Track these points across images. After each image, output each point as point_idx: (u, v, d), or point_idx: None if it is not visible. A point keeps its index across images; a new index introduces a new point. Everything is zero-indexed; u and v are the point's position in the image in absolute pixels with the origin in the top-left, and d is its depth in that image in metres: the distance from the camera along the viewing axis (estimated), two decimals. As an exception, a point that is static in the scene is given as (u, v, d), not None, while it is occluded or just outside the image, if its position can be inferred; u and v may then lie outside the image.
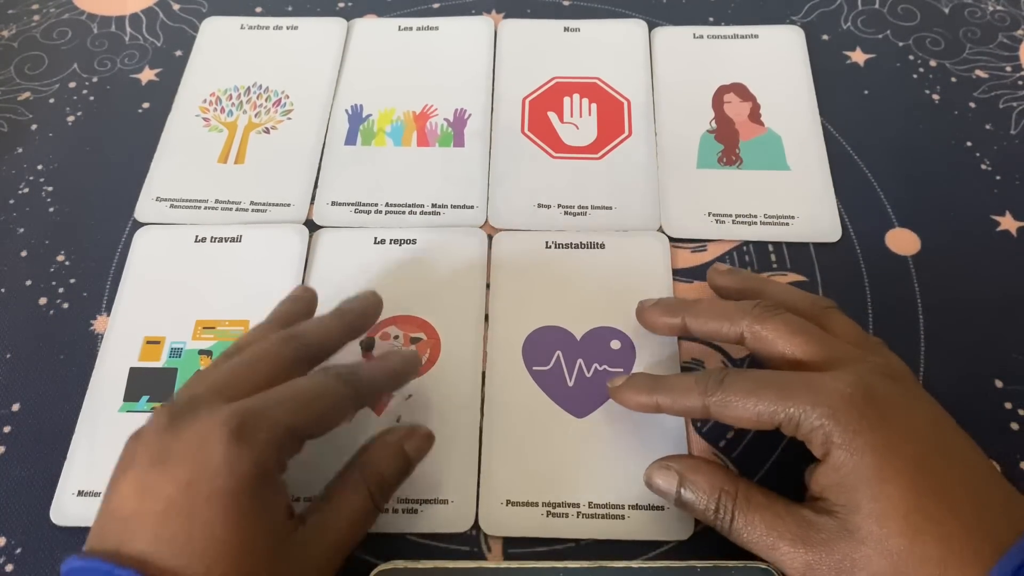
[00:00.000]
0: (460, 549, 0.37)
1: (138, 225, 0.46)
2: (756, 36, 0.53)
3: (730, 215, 0.46)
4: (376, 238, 0.45)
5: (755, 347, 0.35)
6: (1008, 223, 0.45)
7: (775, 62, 0.52)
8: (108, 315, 0.43)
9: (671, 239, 0.45)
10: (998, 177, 0.47)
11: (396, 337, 0.42)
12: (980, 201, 0.46)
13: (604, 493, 0.37)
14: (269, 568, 0.29)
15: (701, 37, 0.53)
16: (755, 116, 0.49)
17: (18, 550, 0.37)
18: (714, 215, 0.46)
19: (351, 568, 0.34)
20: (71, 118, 0.51)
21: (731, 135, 0.49)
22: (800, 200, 0.46)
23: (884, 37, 0.53)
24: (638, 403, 0.36)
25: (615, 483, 0.38)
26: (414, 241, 0.45)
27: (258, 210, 0.47)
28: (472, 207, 0.46)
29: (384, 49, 0.53)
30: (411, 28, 0.54)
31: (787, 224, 0.45)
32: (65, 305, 0.44)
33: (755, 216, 0.45)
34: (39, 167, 0.49)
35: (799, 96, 0.50)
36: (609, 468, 0.38)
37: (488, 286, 0.43)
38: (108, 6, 0.57)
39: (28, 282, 0.45)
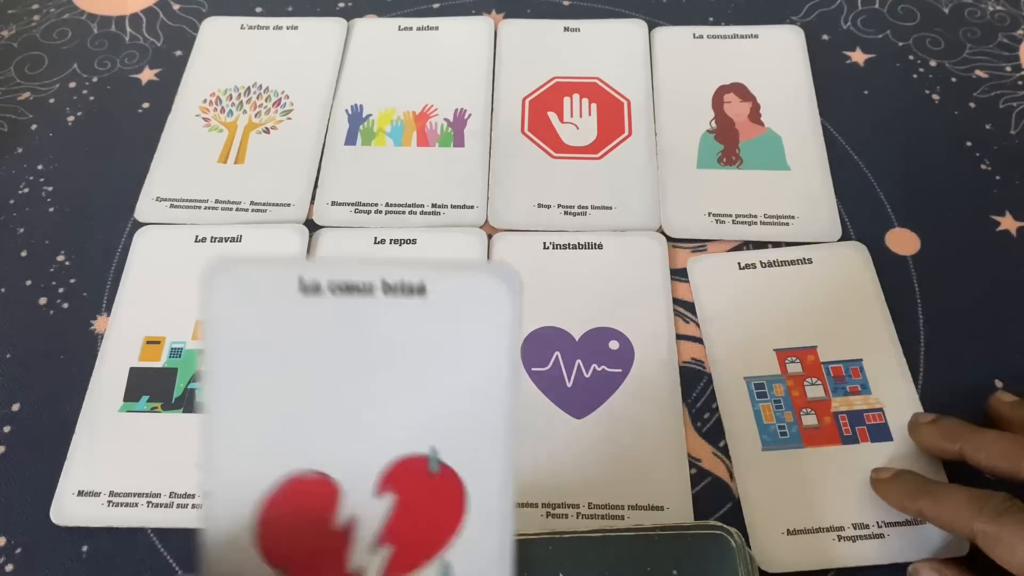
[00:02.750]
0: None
1: (138, 225, 0.46)
2: (756, 36, 0.53)
3: (730, 215, 0.46)
4: (376, 238, 0.45)
5: None
6: (1008, 223, 0.45)
7: (775, 62, 0.52)
8: (108, 315, 0.43)
9: (671, 239, 0.45)
10: (998, 177, 0.47)
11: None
12: (980, 201, 0.46)
13: (604, 494, 0.37)
14: None
15: (701, 37, 0.53)
16: (755, 116, 0.49)
17: (18, 550, 0.37)
18: (714, 215, 0.46)
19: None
20: (71, 118, 0.51)
21: (731, 135, 0.49)
22: (800, 200, 0.46)
23: (884, 37, 0.53)
24: (900, 504, 0.35)
25: (615, 484, 0.38)
26: (414, 241, 0.45)
27: (258, 210, 0.47)
28: (472, 207, 0.46)
29: (384, 49, 0.53)
30: (411, 28, 0.54)
31: (787, 224, 0.45)
32: (65, 305, 0.44)
33: (755, 216, 0.45)
34: (39, 167, 0.49)
35: (799, 96, 0.50)
36: (608, 469, 0.38)
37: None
38: (108, 6, 0.57)
39: (28, 282, 0.45)
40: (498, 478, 0.25)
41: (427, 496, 0.25)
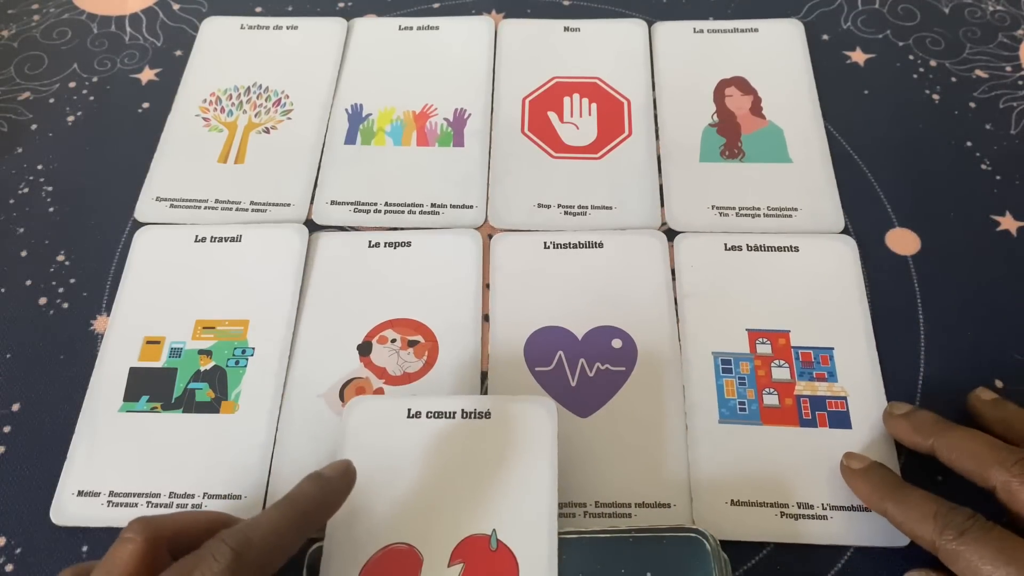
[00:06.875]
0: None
1: (138, 225, 0.46)
2: (756, 30, 0.53)
3: (733, 208, 0.46)
4: (371, 241, 0.45)
5: (1010, 506, 0.31)
6: (1008, 223, 0.45)
7: (775, 55, 0.52)
8: (108, 315, 0.43)
9: (674, 232, 0.45)
10: (998, 177, 0.47)
11: (394, 340, 0.42)
12: (980, 201, 0.46)
13: (610, 492, 0.37)
14: None
15: (701, 31, 0.53)
16: (756, 109, 0.49)
17: (18, 550, 0.37)
18: (717, 208, 0.46)
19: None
20: (71, 118, 0.51)
21: (733, 128, 0.49)
22: (803, 192, 0.46)
23: (884, 37, 0.53)
24: (867, 499, 0.35)
25: (621, 482, 0.37)
26: (409, 244, 0.45)
27: (258, 210, 0.47)
28: (471, 207, 0.46)
29: (384, 49, 0.53)
30: (411, 28, 0.54)
31: (790, 216, 0.45)
32: (65, 305, 0.44)
33: (758, 209, 0.45)
34: (39, 167, 0.49)
35: (799, 89, 0.50)
36: (614, 467, 0.38)
37: (488, 287, 0.43)
38: (108, 6, 0.57)
39: (28, 282, 0.45)
40: (544, 555, 0.32)
41: (488, 567, 0.32)
